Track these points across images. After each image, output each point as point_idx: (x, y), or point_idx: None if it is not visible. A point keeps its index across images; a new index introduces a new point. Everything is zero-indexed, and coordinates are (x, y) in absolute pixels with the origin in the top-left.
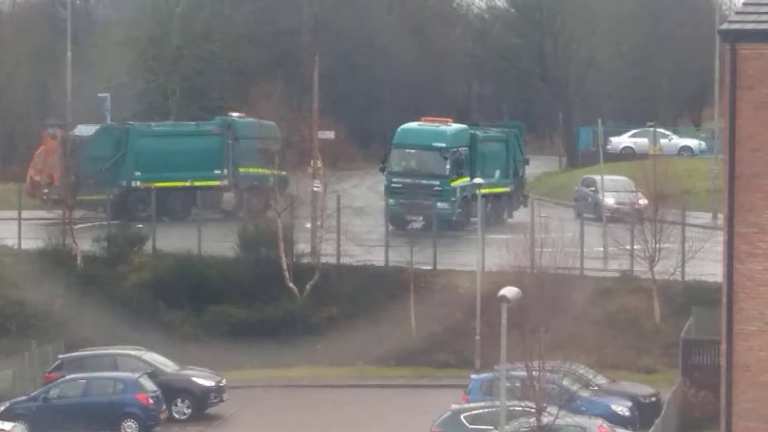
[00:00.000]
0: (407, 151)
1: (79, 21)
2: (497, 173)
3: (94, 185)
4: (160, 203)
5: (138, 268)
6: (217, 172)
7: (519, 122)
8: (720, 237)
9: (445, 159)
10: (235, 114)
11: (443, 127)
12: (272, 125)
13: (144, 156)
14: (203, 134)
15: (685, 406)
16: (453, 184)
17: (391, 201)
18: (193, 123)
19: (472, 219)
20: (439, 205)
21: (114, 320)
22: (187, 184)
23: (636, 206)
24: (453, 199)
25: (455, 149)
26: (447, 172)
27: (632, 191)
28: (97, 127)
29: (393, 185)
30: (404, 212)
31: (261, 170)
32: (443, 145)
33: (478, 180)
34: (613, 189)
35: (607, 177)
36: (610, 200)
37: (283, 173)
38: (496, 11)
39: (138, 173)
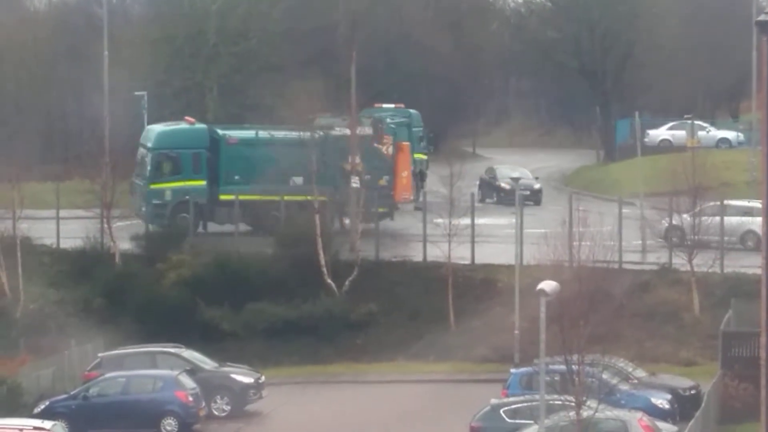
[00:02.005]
0: (139, 150)
1: (116, 19)
2: (298, 180)
3: None
4: None
5: (176, 266)
6: None
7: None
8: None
9: (150, 160)
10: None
11: (163, 128)
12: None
13: None
14: None
15: (725, 398)
16: (155, 186)
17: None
18: None
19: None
20: (144, 207)
21: (153, 318)
22: None
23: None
24: (157, 201)
25: (163, 151)
26: (148, 174)
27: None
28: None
29: (133, 184)
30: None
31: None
32: (149, 145)
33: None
34: (510, 176)
35: (504, 167)
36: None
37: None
38: (533, 5)
39: None
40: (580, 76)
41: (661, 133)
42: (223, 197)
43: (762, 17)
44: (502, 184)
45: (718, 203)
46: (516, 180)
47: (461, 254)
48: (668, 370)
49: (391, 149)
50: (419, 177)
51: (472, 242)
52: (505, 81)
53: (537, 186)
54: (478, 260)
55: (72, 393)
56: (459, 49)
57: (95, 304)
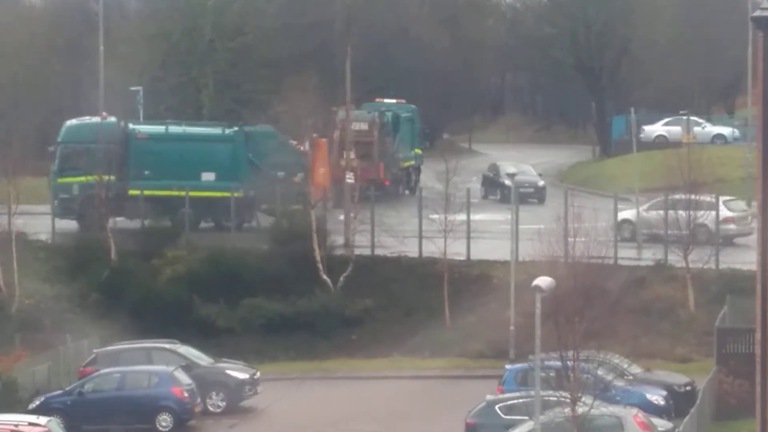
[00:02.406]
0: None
1: (112, 15)
2: (209, 176)
3: None
4: None
5: (172, 262)
6: None
7: (268, 126)
8: (754, 224)
9: (58, 154)
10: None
11: (72, 122)
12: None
13: None
14: None
15: (721, 394)
16: (62, 180)
17: None
18: None
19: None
20: (55, 201)
21: (148, 314)
22: None
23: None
24: (64, 195)
25: (70, 145)
26: (56, 168)
27: (533, 176)
28: None
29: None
30: None
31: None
32: (58, 139)
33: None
34: (506, 172)
35: (508, 163)
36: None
37: None
38: (529, 1)
39: None
40: (576, 72)
41: (656, 128)
42: (132, 192)
43: (757, 13)
44: (506, 182)
45: (669, 197)
46: (512, 176)
47: (457, 250)
48: (663, 367)
49: (307, 145)
50: (416, 172)
51: (468, 238)
52: (501, 77)
53: (541, 183)
54: (474, 256)
55: (67, 389)
56: (455, 45)
57: (91, 300)
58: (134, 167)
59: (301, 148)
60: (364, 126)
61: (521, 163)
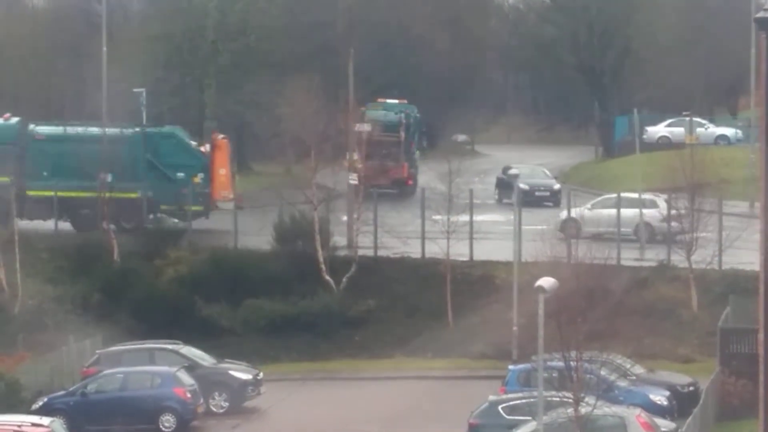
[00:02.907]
0: None
1: (114, 16)
2: (108, 176)
3: None
4: None
5: (174, 263)
6: None
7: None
8: (757, 225)
9: None
10: None
11: None
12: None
13: None
14: None
15: (724, 395)
16: None
17: None
18: None
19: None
20: None
21: (151, 314)
22: None
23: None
24: None
25: None
26: None
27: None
28: None
29: None
30: None
31: None
32: None
33: None
34: (529, 177)
35: (523, 166)
36: (524, 186)
37: None
38: (531, 1)
39: None
40: (578, 72)
41: (659, 129)
42: (31, 193)
43: (761, 14)
44: (521, 185)
45: (614, 196)
46: (515, 176)
47: (460, 251)
48: (666, 367)
49: (208, 146)
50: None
51: (471, 239)
52: (503, 77)
53: (556, 186)
54: (477, 257)
55: (70, 389)
56: (457, 46)
57: (93, 301)
58: (32, 168)
59: (203, 149)
60: (392, 124)
61: (539, 165)
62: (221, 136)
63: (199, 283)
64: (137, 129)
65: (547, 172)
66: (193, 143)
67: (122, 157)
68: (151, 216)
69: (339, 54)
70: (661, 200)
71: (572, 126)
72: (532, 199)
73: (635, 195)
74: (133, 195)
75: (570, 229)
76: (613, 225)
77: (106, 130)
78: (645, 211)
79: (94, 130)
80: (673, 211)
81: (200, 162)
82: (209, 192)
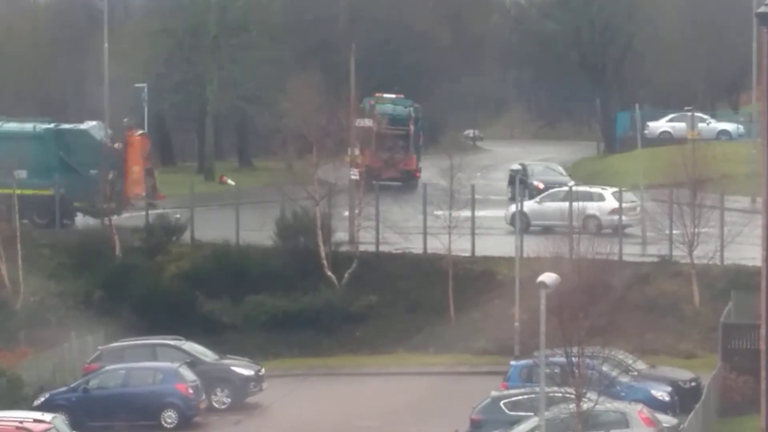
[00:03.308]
0: None
1: (116, 11)
2: (21, 173)
3: None
4: None
5: (176, 258)
6: None
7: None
8: (759, 221)
9: None
10: None
11: None
12: None
13: None
14: None
15: (725, 390)
16: None
17: None
18: None
19: None
20: None
21: (153, 310)
22: None
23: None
24: None
25: None
26: None
27: (562, 176)
28: None
29: None
30: None
31: None
32: None
33: None
34: (542, 174)
35: (537, 164)
36: (538, 183)
37: None
38: None
39: None
40: (580, 68)
41: (661, 125)
42: None
43: (762, 9)
44: (534, 182)
45: (564, 189)
46: (516, 171)
47: (461, 246)
48: (668, 363)
49: (121, 143)
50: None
51: (473, 234)
52: (505, 73)
53: (571, 184)
54: (479, 252)
55: (72, 385)
56: (459, 42)
57: (95, 297)
58: None
59: (116, 146)
60: (402, 118)
61: (554, 162)
62: (139, 132)
63: (200, 279)
64: (50, 126)
65: (561, 170)
66: (109, 141)
67: (35, 154)
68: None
69: (340, 50)
70: (608, 193)
71: (574, 122)
72: (545, 197)
73: (586, 188)
74: (46, 192)
75: (519, 222)
76: (560, 218)
77: (22, 126)
78: (593, 204)
79: (8, 126)
80: (625, 205)
81: (112, 159)
82: (122, 189)
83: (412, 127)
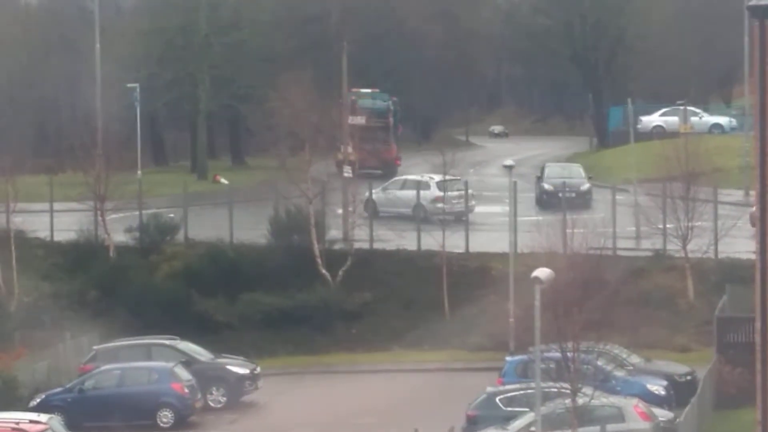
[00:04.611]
0: None
1: (107, 12)
2: None
3: None
4: None
5: (170, 258)
6: None
7: None
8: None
9: None
10: None
11: None
12: None
13: None
14: None
15: (721, 383)
16: None
17: None
18: None
19: None
20: None
21: (147, 310)
22: None
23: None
24: None
25: None
26: None
27: (579, 177)
28: None
29: None
30: None
31: None
32: None
33: None
34: (555, 176)
35: (553, 166)
36: (548, 186)
37: None
38: None
39: None
40: (572, 63)
41: (653, 119)
42: None
43: (753, 2)
44: (545, 185)
45: (402, 178)
46: (510, 167)
47: (455, 243)
48: (663, 356)
49: None
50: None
51: (467, 231)
52: (497, 69)
53: (585, 187)
54: (473, 249)
55: (67, 386)
56: (450, 37)
57: (90, 297)
58: None
59: None
60: (382, 110)
61: (572, 164)
62: None
63: (195, 277)
64: None
65: (581, 171)
66: None
67: None
68: None
69: (332, 47)
70: (434, 182)
71: (566, 117)
72: (557, 201)
73: (416, 177)
74: None
75: (368, 209)
76: (400, 206)
77: None
78: (421, 193)
79: None
80: (442, 193)
81: None
82: None
83: (391, 119)
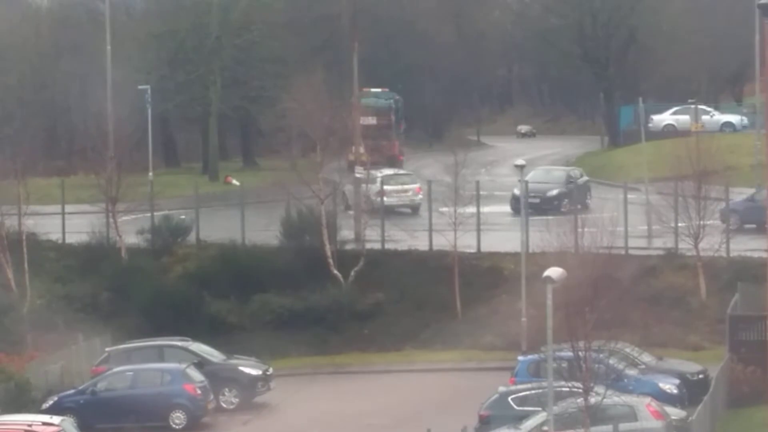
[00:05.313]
0: None
1: (118, 14)
2: None
3: None
4: None
5: (182, 259)
6: None
7: None
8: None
9: None
10: None
11: None
12: None
13: None
14: None
15: (733, 382)
16: None
17: None
18: None
19: None
20: None
21: (159, 311)
22: None
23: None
24: None
25: None
26: None
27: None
28: None
29: None
30: None
31: None
32: None
33: None
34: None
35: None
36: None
37: None
38: None
39: None
40: (583, 62)
41: (665, 118)
42: None
43: (765, 0)
44: (515, 191)
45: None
46: (520, 167)
47: (467, 243)
48: (676, 355)
49: None
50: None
51: (478, 230)
52: (508, 69)
53: (552, 192)
54: (484, 248)
55: (80, 388)
56: (461, 38)
57: (102, 299)
58: None
59: None
60: (384, 109)
61: (557, 167)
62: None
63: (207, 279)
64: None
65: (578, 173)
66: None
67: None
68: None
69: (343, 48)
70: (379, 177)
71: (578, 116)
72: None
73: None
74: None
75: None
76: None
77: None
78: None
79: None
80: (397, 187)
81: None
82: None
83: (393, 117)
